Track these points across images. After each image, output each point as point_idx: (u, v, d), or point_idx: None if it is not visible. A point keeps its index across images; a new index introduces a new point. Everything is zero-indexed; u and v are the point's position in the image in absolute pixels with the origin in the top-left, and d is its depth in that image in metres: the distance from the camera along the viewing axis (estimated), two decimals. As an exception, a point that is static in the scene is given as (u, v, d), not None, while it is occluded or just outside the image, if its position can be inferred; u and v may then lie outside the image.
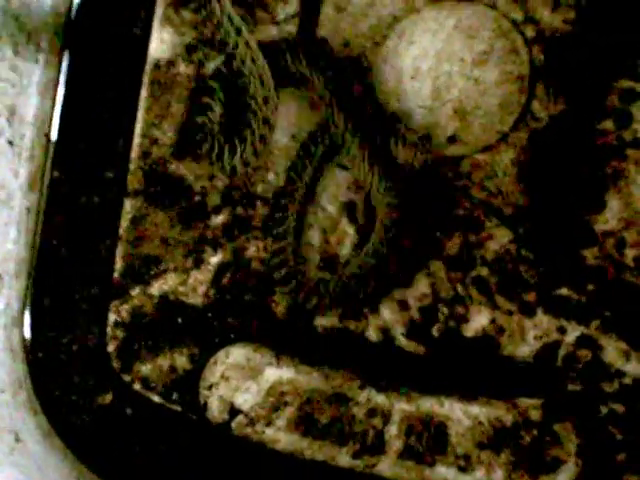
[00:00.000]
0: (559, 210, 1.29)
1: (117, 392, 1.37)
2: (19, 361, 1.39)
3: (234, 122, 1.30)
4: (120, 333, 1.35)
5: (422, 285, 1.31)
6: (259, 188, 1.33)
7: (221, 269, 1.34)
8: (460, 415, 1.26)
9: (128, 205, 1.34)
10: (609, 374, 1.25)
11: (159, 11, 1.32)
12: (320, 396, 1.29)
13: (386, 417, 1.28)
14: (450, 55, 1.30)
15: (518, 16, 1.30)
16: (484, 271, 1.29)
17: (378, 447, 1.28)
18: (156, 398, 1.35)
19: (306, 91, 1.29)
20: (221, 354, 1.31)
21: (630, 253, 1.26)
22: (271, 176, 1.32)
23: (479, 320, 1.29)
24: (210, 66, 1.30)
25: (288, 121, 1.33)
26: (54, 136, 1.37)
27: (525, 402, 1.26)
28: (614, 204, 1.27)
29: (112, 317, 1.34)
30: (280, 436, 1.29)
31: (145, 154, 1.33)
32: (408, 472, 1.26)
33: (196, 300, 1.34)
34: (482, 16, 1.31)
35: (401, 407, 1.27)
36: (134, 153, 1.33)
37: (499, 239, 1.30)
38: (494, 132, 1.30)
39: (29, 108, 1.35)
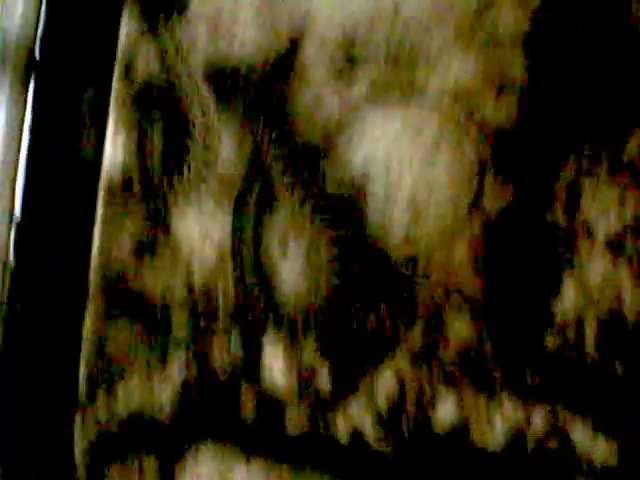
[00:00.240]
0: (517, 297, 1.32)
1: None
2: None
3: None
4: (86, 446, 1.38)
5: (388, 376, 1.34)
6: (220, 291, 1.37)
7: (186, 377, 1.37)
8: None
9: (89, 321, 1.37)
10: (577, 459, 1.27)
11: (110, 130, 1.38)
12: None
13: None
14: (399, 156, 1.35)
15: (462, 113, 1.35)
16: (448, 359, 1.32)
17: None
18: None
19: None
20: (190, 458, 1.34)
21: (590, 335, 1.29)
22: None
23: (446, 408, 1.32)
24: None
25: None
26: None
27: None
28: (570, 288, 1.30)
29: (78, 432, 1.37)
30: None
31: (104, 269, 1.38)
32: None
33: (163, 411, 1.37)
34: (427, 116, 1.35)
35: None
36: (93, 270, 1.38)
37: (461, 330, 1.33)
38: (448, 228, 1.34)
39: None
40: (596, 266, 1.30)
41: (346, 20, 1.38)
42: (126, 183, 1.38)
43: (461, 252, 1.33)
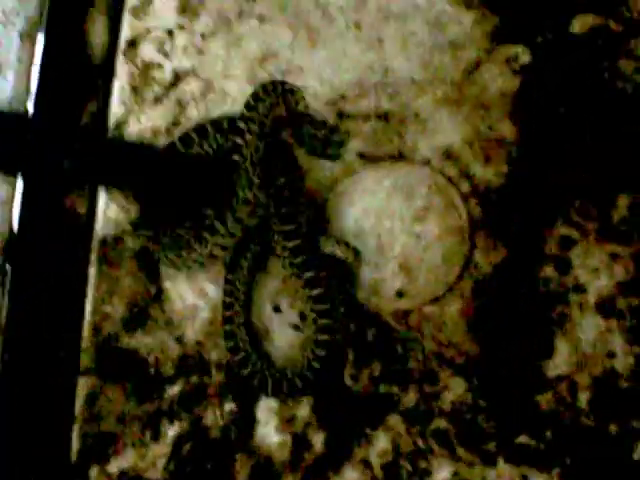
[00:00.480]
0: (510, 357, 1.31)
1: None
2: None
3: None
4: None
5: (382, 441, 1.31)
6: (213, 355, 1.34)
7: (179, 440, 1.33)
8: None
9: (82, 383, 1.33)
10: (575, 523, 1.25)
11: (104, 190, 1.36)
12: None
13: None
14: (390, 213, 1.34)
15: (453, 172, 1.35)
16: (442, 423, 1.30)
17: None
18: None
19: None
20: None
21: (583, 396, 1.28)
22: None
23: (442, 473, 1.29)
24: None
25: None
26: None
27: None
28: (563, 348, 1.29)
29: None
30: None
31: (96, 330, 1.34)
32: None
33: (156, 474, 1.32)
34: (418, 174, 1.35)
35: None
36: (85, 330, 1.34)
37: (454, 389, 1.31)
38: (440, 284, 1.33)
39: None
40: (588, 323, 1.30)
41: (337, 76, 1.39)
42: (118, 242, 1.36)
43: (454, 308, 1.32)
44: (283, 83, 1.28)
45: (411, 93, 1.38)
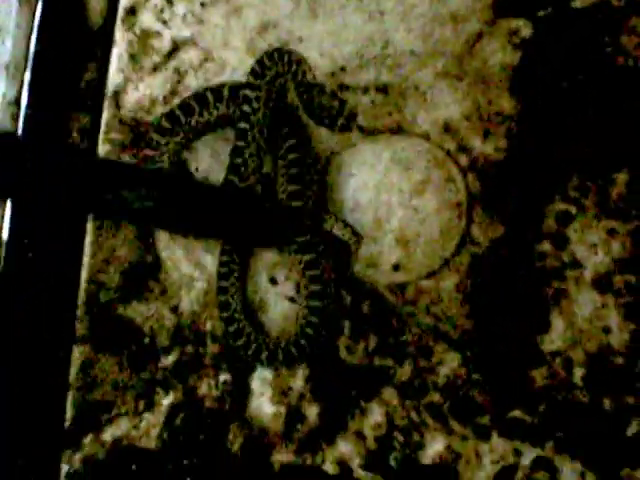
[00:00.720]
0: (505, 332, 1.31)
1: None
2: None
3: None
4: (71, 473, 1.33)
5: (376, 414, 1.31)
6: (208, 325, 1.34)
7: (173, 410, 1.32)
8: None
9: (77, 352, 1.33)
10: (567, 497, 1.25)
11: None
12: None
13: None
14: (388, 186, 1.33)
15: (451, 146, 1.34)
16: (437, 396, 1.30)
17: None
18: None
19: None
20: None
21: (578, 372, 1.28)
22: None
23: (435, 446, 1.29)
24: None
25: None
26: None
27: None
28: (559, 324, 1.29)
29: (65, 467, 1.32)
30: None
31: (92, 299, 1.34)
32: None
33: (149, 443, 1.32)
34: (417, 147, 1.34)
35: None
36: (81, 299, 1.33)
37: (449, 363, 1.31)
38: (436, 258, 1.32)
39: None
40: (584, 299, 1.29)
41: (337, 48, 1.38)
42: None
43: (450, 283, 1.31)
44: (289, 52, 1.27)
45: (411, 66, 1.36)
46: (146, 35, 1.39)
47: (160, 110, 1.36)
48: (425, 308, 1.32)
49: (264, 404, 1.32)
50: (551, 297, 1.30)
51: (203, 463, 1.31)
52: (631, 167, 1.31)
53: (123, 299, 1.35)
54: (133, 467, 1.31)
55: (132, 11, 1.40)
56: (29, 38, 1.37)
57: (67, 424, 1.33)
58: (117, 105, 1.38)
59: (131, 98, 1.39)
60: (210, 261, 1.34)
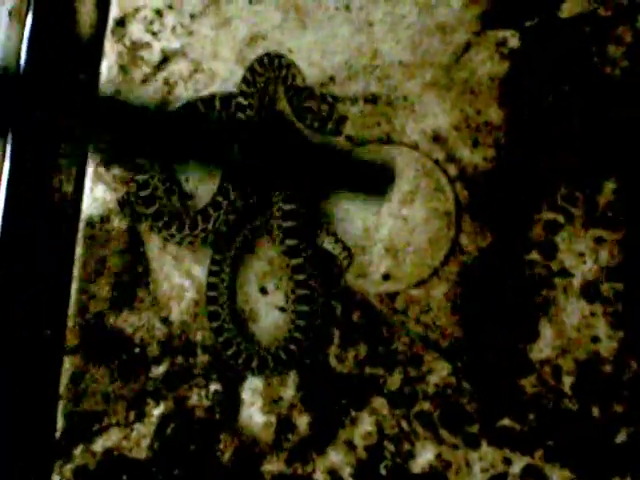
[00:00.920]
0: (495, 340, 1.31)
1: None
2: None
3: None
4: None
5: (367, 423, 1.31)
6: (198, 336, 1.34)
7: (164, 420, 1.33)
8: None
9: (67, 362, 1.33)
10: (557, 505, 1.26)
11: (90, 169, 1.35)
12: None
13: None
14: (378, 196, 1.35)
15: (440, 156, 1.35)
16: (427, 405, 1.30)
17: None
18: None
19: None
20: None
21: (567, 380, 1.29)
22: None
23: (425, 455, 1.29)
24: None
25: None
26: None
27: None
28: (548, 333, 1.30)
29: (56, 478, 1.32)
30: None
31: (82, 309, 1.34)
32: None
33: (140, 454, 1.32)
34: (406, 157, 1.35)
35: None
36: (71, 309, 1.34)
37: (439, 372, 1.31)
38: (426, 268, 1.33)
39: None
40: (573, 307, 1.30)
41: (325, 59, 1.38)
42: (105, 221, 1.36)
43: (440, 292, 1.32)
44: (279, 57, 1.28)
45: (400, 76, 1.37)
46: (136, 46, 1.40)
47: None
48: (415, 317, 1.32)
49: (255, 414, 1.32)
50: (540, 306, 1.31)
51: (194, 473, 1.32)
52: (618, 176, 1.32)
53: (113, 309, 1.35)
54: (124, 478, 1.32)
55: (122, 23, 1.41)
56: (19, 50, 1.38)
57: (58, 435, 1.33)
58: (107, 116, 1.39)
59: (121, 109, 1.40)
60: (200, 271, 1.35)
